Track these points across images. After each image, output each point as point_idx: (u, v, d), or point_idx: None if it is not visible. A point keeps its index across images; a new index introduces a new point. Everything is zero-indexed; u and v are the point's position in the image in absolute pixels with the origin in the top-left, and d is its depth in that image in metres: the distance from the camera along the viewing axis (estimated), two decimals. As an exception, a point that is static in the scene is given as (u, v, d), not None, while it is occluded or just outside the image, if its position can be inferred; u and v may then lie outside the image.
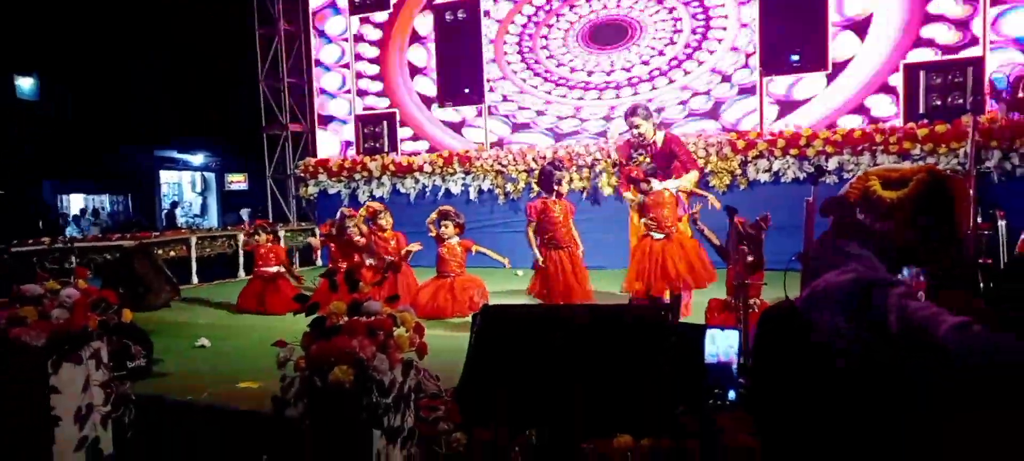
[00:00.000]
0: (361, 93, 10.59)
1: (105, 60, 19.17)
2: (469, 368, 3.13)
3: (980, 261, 3.46)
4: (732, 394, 2.76)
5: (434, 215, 6.24)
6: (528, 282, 5.44)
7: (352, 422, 2.50)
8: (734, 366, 2.82)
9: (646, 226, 4.83)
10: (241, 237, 9.27)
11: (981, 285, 2.91)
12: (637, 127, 5.28)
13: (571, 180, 8.55)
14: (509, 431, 2.72)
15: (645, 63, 8.97)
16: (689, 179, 5.23)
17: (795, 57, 8.09)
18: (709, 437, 2.47)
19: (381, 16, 10.38)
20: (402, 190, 9.88)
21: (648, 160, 5.22)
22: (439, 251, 6.11)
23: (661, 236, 4.76)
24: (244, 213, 17.45)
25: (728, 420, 2.60)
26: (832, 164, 7.48)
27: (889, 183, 3.22)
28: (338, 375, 2.46)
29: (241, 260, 9.26)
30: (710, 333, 2.90)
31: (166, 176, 24.74)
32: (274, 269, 6.67)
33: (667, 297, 4.75)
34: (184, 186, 25.75)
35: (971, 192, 3.42)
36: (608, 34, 9.14)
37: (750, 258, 3.74)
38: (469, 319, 3.34)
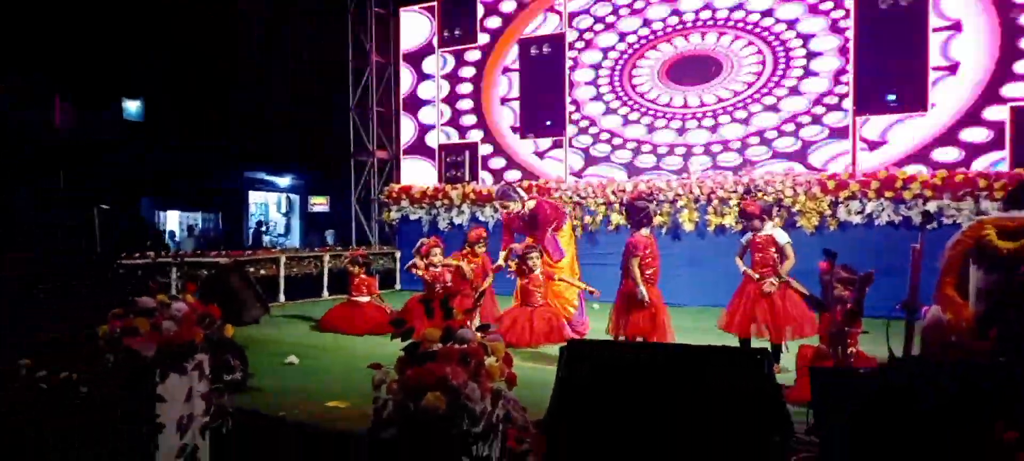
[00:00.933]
0: (457, 126, 10.84)
1: (208, 86, 20.28)
2: (556, 401, 3.11)
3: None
4: None
5: (505, 254, 6.27)
6: (605, 316, 5.36)
7: (443, 449, 2.53)
8: None
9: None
10: (327, 257, 9.56)
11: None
12: (506, 207, 6.27)
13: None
14: (596, 467, 2.69)
15: (736, 96, 8.85)
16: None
17: (891, 97, 7.81)
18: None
19: (474, 54, 10.64)
20: (481, 218, 10.00)
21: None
22: (522, 283, 6.10)
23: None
24: (329, 235, 17.99)
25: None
26: (931, 207, 7.14)
27: (1006, 233, 3.07)
28: (431, 400, 2.49)
29: (326, 280, 9.55)
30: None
31: (254, 196, 25.80)
32: (365, 298, 6.92)
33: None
34: (270, 206, 26.81)
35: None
36: (693, 70, 9.11)
37: (849, 306, 3.60)
38: (547, 349, 3.33)
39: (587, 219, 9.19)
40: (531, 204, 6.28)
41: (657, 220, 8.59)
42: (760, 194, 5.03)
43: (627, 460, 2.65)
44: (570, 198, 9.28)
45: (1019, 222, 3.02)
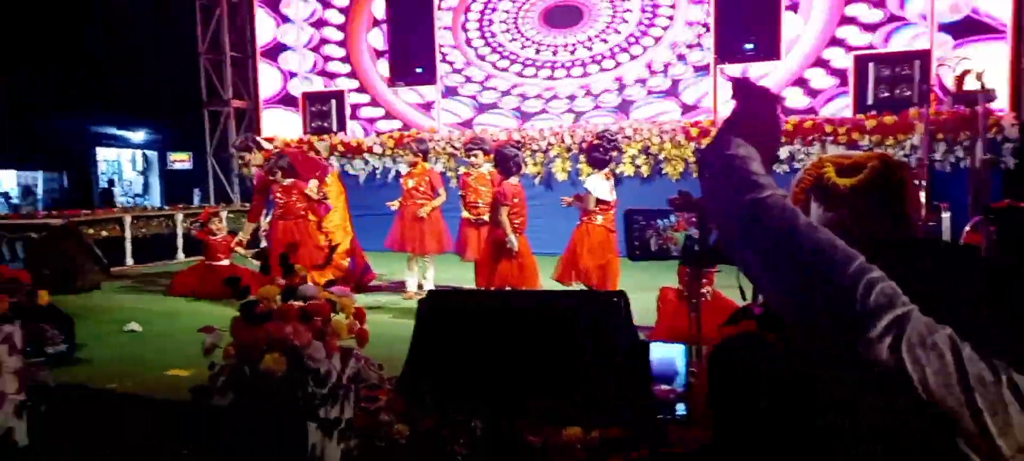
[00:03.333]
0: (329, 75, 10.23)
1: (42, 29, 18.20)
2: (413, 356, 2.97)
3: (932, 250, 3.46)
4: (682, 408, 2.70)
5: (463, 146, 6.05)
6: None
7: (284, 414, 2.34)
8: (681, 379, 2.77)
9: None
10: (180, 217, 8.88)
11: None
12: (243, 159, 6.54)
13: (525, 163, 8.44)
14: (454, 422, 2.59)
15: (604, 41, 8.89)
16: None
17: (749, 46, 8.11)
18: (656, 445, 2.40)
19: None
20: (351, 172, 9.61)
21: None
22: (464, 190, 5.75)
23: None
24: (196, 194, 16.83)
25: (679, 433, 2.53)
26: (783, 153, 7.53)
27: (843, 170, 3.21)
28: (269, 363, 2.30)
29: (180, 242, 8.89)
30: (654, 346, 2.84)
31: (104, 153, 23.72)
32: (226, 262, 6.45)
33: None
34: (124, 163, 24.75)
35: (924, 182, 3.42)
36: (563, 17, 9.05)
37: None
38: (410, 303, 3.19)
39: (461, 169, 9.03)
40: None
41: (531, 169, 8.58)
42: (610, 141, 5.10)
43: (485, 411, 2.57)
44: (444, 149, 9.08)
45: (855, 159, 3.14)
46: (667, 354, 2.77)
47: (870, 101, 7.53)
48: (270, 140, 9.94)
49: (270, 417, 2.36)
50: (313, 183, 5.75)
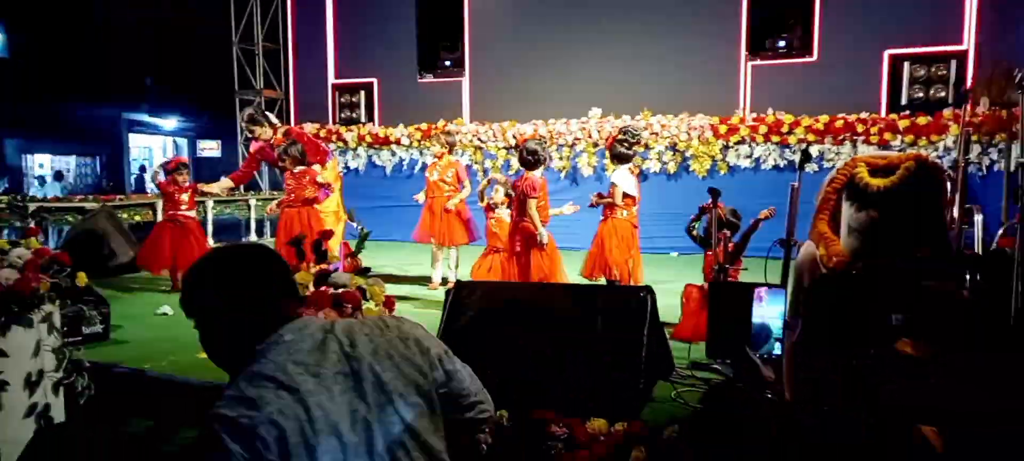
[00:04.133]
0: (356, 64, 10.26)
1: (75, 16, 18.57)
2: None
3: (966, 252, 3.42)
4: (777, 348, 2.90)
5: (485, 183, 5.90)
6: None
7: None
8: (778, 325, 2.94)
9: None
10: (211, 204, 9.01)
11: (966, 276, 2.87)
12: (253, 132, 6.02)
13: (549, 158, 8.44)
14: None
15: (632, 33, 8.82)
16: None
17: (782, 43, 8.02)
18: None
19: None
20: (378, 163, 9.68)
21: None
22: (487, 223, 5.66)
23: None
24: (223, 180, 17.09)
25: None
26: (813, 151, 7.45)
27: (876, 170, 3.17)
28: (301, 348, 2.33)
29: (210, 227, 9.04)
30: (757, 292, 3.04)
31: (136, 140, 24.16)
32: (193, 213, 6.15)
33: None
34: (155, 151, 25.18)
35: (959, 183, 3.37)
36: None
37: (730, 245, 3.68)
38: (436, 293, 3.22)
39: (488, 163, 9.07)
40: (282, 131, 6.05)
41: (557, 164, 8.59)
42: (634, 135, 5.10)
43: (511, 401, 2.60)
44: (471, 141, 9.11)
45: (890, 160, 3.11)
46: (769, 300, 2.94)
47: (904, 101, 7.41)
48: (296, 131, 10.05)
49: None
50: (320, 168, 5.75)
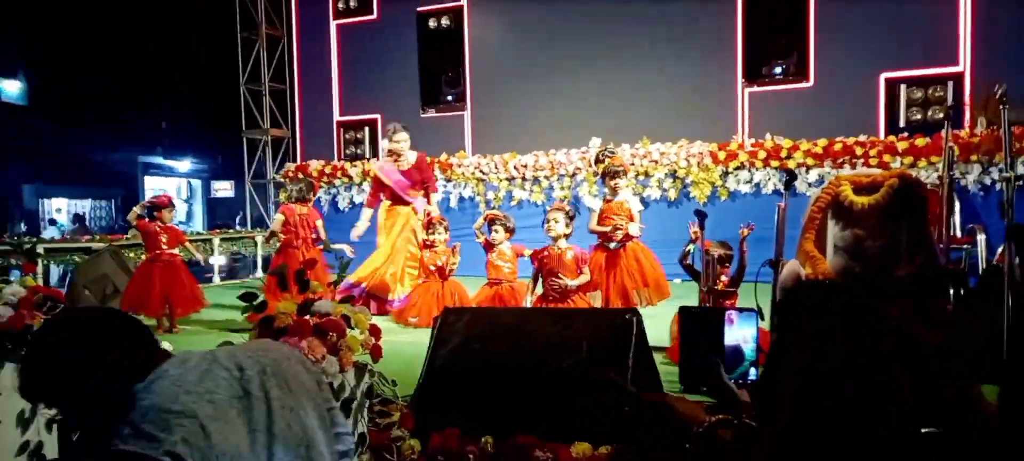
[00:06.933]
0: (357, 101, 10.44)
1: (90, 63, 19.02)
2: (427, 373, 3.03)
3: (951, 267, 3.40)
4: (754, 373, 2.90)
5: (481, 220, 5.82)
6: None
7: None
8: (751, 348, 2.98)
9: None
10: (217, 241, 9.10)
11: (951, 292, 2.86)
12: (397, 143, 6.07)
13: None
14: (464, 437, 2.62)
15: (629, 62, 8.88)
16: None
17: (779, 70, 8.06)
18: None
19: (371, 26, 10.27)
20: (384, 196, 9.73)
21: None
22: (489, 258, 5.63)
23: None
24: (237, 221, 17.29)
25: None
26: (812, 176, 7.44)
27: (861, 189, 3.18)
28: (282, 377, 2.35)
29: (216, 266, 9.13)
30: (728, 314, 3.05)
31: (152, 182, 24.54)
32: (178, 250, 5.90)
33: None
34: (169, 192, 25.53)
35: (943, 199, 3.37)
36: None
37: (723, 278, 3.70)
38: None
39: (490, 194, 9.13)
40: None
41: (558, 193, 8.63)
42: (610, 160, 5.31)
43: (496, 427, 2.59)
44: (472, 174, 9.18)
45: (874, 178, 3.12)
46: (740, 323, 2.96)
47: (901, 123, 7.41)
48: (303, 168, 10.18)
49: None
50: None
